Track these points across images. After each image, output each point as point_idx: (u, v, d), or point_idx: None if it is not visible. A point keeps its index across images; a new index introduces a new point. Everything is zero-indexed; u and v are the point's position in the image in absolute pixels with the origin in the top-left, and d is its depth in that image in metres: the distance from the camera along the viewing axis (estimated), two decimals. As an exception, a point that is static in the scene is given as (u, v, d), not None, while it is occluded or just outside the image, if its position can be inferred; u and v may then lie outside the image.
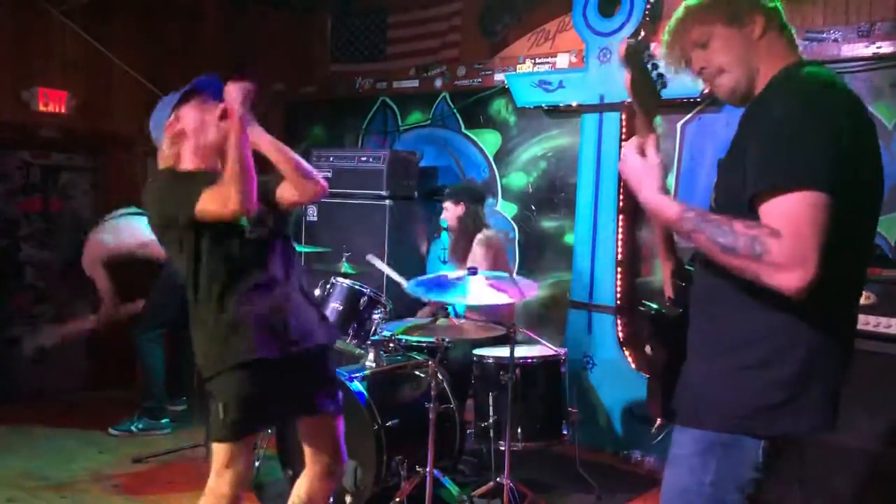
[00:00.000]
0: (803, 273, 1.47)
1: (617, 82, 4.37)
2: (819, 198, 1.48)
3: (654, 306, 1.92)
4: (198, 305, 2.42)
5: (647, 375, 1.98)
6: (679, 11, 1.79)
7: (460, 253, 4.30)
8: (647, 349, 1.93)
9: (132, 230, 4.68)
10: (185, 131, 2.58)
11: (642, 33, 4.41)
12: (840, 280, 1.60)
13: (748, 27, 1.72)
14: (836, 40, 3.86)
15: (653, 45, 1.82)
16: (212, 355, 2.43)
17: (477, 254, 4.17)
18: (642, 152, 1.75)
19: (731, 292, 1.65)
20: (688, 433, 1.72)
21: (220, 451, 2.47)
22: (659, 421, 1.92)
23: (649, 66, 1.75)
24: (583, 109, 4.55)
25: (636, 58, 1.74)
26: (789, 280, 1.48)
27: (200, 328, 2.44)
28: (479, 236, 4.24)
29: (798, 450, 1.84)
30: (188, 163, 2.57)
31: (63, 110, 5.37)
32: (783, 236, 1.49)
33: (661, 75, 1.76)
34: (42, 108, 5.24)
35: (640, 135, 1.78)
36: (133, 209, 4.83)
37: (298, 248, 4.32)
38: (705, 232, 1.58)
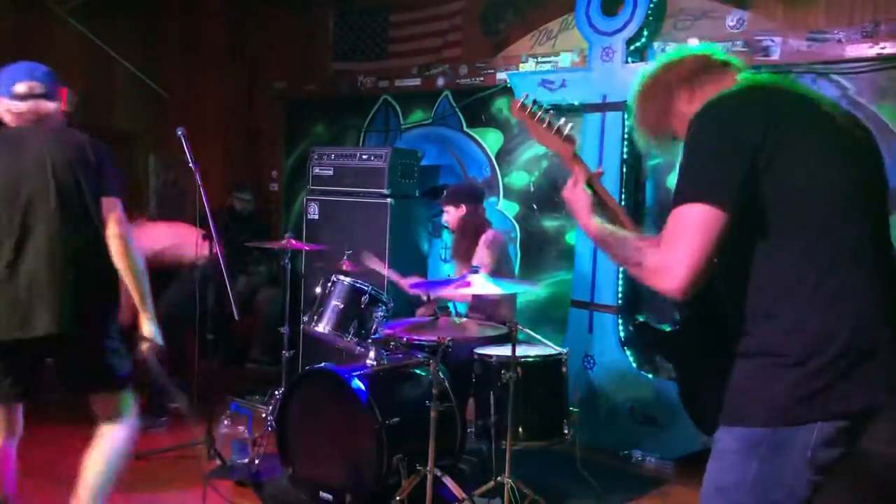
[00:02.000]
0: (672, 279, 1.63)
1: (620, 82, 4.37)
2: (702, 210, 1.61)
3: (640, 318, 2.14)
4: None
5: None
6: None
7: (463, 253, 4.30)
8: None
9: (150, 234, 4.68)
10: None
11: (645, 33, 4.41)
12: (857, 260, 1.64)
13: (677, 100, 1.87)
14: (839, 41, 3.85)
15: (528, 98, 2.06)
16: None
17: (482, 255, 4.17)
18: (573, 185, 1.98)
19: (747, 301, 1.69)
20: (730, 431, 1.72)
21: None
22: None
23: (539, 112, 2.01)
24: (585, 109, 4.54)
25: (527, 111, 2.02)
26: (661, 284, 1.66)
27: None
28: (485, 237, 4.23)
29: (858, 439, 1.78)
30: None
31: (64, 106, 5.35)
32: (661, 245, 1.67)
33: (548, 111, 2.02)
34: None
35: (572, 170, 2.00)
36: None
37: (300, 247, 4.33)
38: (611, 248, 1.83)
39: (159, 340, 2.88)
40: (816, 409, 1.61)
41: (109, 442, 2.91)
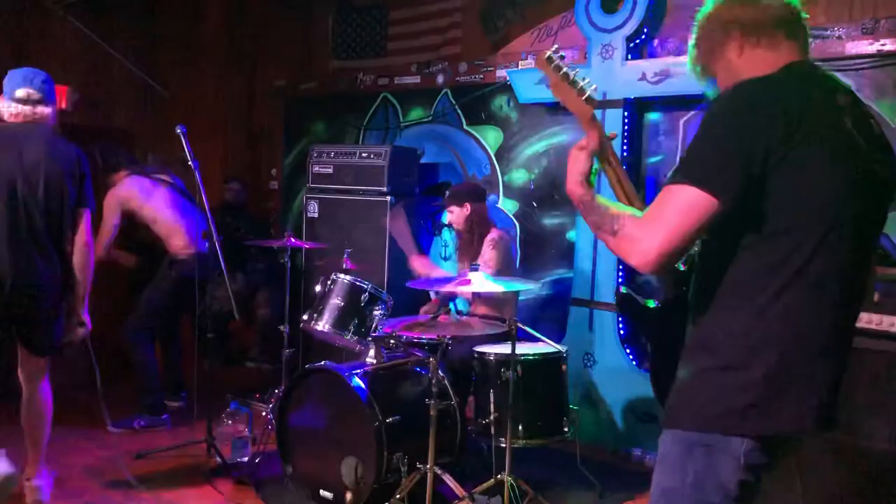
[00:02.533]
0: (640, 253, 1.61)
1: (620, 79, 4.37)
2: (695, 194, 1.56)
3: (624, 290, 2.10)
4: None
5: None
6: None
7: (469, 252, 4.31)
8: None
9: (160, 199, 4.69)
10: None
11: (645, 30, 4.40)
12: (824, 284, 1.61)
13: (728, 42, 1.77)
14: (839, 37, 3.84)
15: (564, 54, 1.97)
16: None
17: (487, 255, 4.17)
18: (580, 147, 1.86)
19: (711, 294, 1.67)
20: (670, 434, 1.74)
21: None
22: None
23: (564, 67, 1.92)
24: (585, 106, 4.52)
25: (552, 65, 1.93)
26: (629, 255, 1.65)
27: None
28: (490, 237, 4.24)
29: (793, 451, 1.79)
30: None
31: (63, 105, 5.36)
32: (642, 218, 1.65)
33: (579, 78, 1.92)
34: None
35: (587, 133, 1.88)
36: (168, 178, 4.83)
37: (300, 245, 4.33)
38: (591, 216, 1.77)
39: (89, 325, 3.50)
40: (746, 424, 1.62)
41: (43, 396, 3.50)
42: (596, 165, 1.88)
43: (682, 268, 1.92)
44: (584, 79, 1.93)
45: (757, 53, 1.73)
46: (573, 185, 1.83)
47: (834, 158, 1.61)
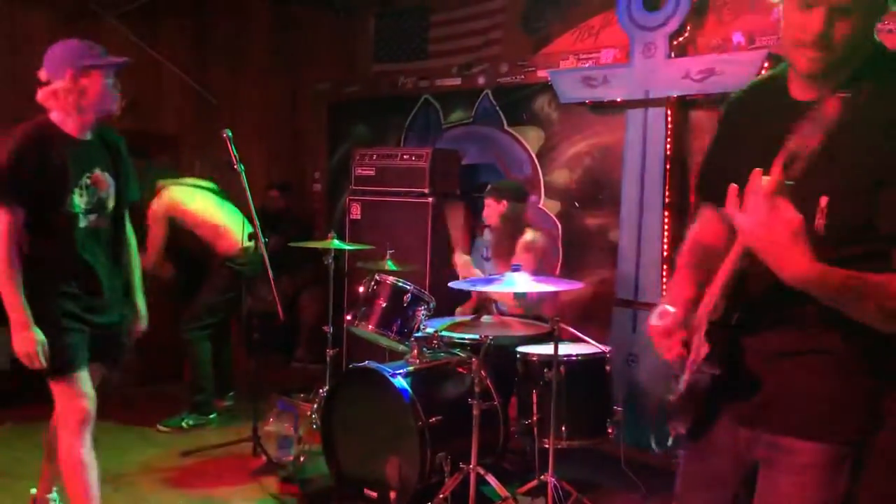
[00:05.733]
0: None
1: (662, 77, 4.32)
2: None
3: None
4: None
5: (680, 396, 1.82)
6: None
7: (504, 251, 4.29)
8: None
9: (201, 203, 4.78)
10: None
11: (688, 28, 4.35)
12: None
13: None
14: (890, 31, 3.75)
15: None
16: None
17: (521, 258, 4.14)
18: (772, 204, 1.32)
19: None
20: (814, 445, 1.60)
21: None
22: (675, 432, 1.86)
23: None
24: (627, 105, 4.50)
25: None
26: None
27: None
28: (524, 239, 4.22)
29: None
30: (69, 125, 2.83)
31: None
32: None
33: None
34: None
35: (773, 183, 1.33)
36: (211, 185, 4.92)
37: (342, 247, 4.38)
38: (873, 299, 1.38)
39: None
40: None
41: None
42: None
43: None
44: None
45: None
46: (806, 267, 1.35)
47: None
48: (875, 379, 1.57)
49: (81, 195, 2.81)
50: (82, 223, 2.81)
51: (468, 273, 4.30)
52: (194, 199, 4.80)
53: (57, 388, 2.81)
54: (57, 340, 2.76)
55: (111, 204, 2.93)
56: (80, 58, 2.80)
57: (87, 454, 2.84)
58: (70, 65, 2.77)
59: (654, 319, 1.73)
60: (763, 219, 1.33)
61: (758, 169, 1.33)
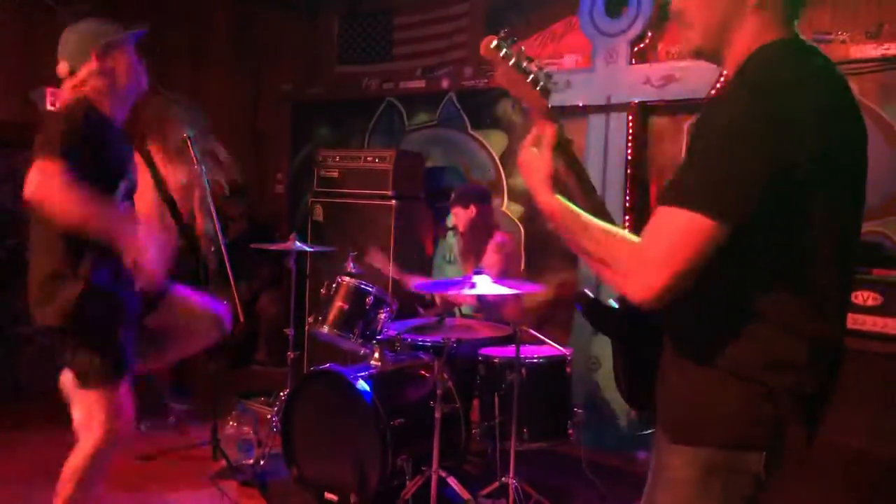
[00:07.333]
0: (643, 287, 1.43)
1: (624, 83, 4.38)
2: (700, 222, 1.38)
3: (587, 292, 1.88)
4: None
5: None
6: None
7: (473, 255, 4.31)
8: None
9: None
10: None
11: (649, 35, 4.41)
12: (828, 294, 1.50)
13: None
14: (843, 42, 3.84)
15: (518, 42, 1.74)
16: None
17: (492, 259, 4.16)
18: (535, 146, 1.69)
19: (718, 295, 1.50)
20: (682, 454, 1.56)
21: None
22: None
23: (514, 55, 1.70)
24: (589, 110, 4.55)
25: (501, 52, 1.69)
26: (630, 289, 1.46)
27: None
28: (495, 241, 4.24)
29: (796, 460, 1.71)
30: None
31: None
32: (640, 248, 1.46)
33: (534, 66, 1.71)
34: (50, 107, 5.27)
35: (536, 127, 1.71)
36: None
37: (305, 248, 4.35)
38: (574, 235, 1.59)
39: None
40: (772, 439, 1.50)
41: None
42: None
43: None
44: (538, 67, 1.72)
45: (774, 24, 1.52)
46: (544, 195, 1.64)
47: (849, 172, 1.47)
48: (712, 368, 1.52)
49: (124, 182, 2.62)
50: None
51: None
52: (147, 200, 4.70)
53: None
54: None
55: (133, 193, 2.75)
56: (99, 36, 2.62)
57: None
58: (91, 45, 2.59)
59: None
60: (529, 161, 1.71)
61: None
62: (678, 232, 1.41)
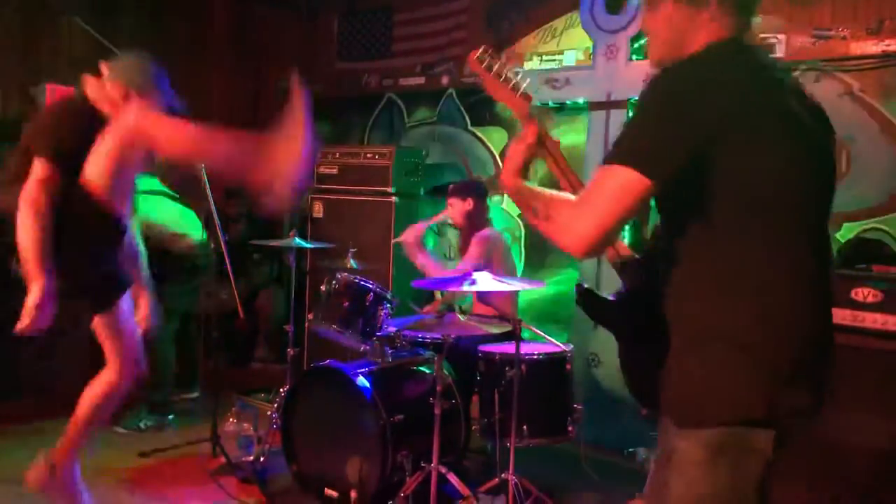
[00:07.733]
0: (574, 237, 1.61)
1: (624, 79, 4.37)
2: (630, 176, 1.54)
3: (584, 285, 2.05)
4: None
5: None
6: None
7: (465, 249, 4.31)
8: None
9: (158, 208, 4.64)
10: None
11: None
12: (808, 266, 1.60)
13: (701, 11, 1.69)
14: (844, 38, 3.84)
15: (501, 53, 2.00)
16: None
17: (472, 252, 4.16)
18: (519, 141, 1.91)
19: (715, 274, 1.59)
20: (688, 438, 1.61)
21: None
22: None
23: (496, 66, 1.94)
24: (590, 107, 4.54)
25: (483, 65, 1.94)
26: (563, 240, 1.64)
27: None
28: (479, 234, 4.23)
29: (799, 444, 1.74)
30: None
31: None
32: (575, 203, 1.67)
33: (513, 74, 1.95)
34: (49, 103, 5.26)
35: (525, 128, 1.93)
36: (162, 188, 4.78)
37: (305, 245, 4.35)
38: (525, 204, 1.80)
39: None
40: (775, 410, 1.55)
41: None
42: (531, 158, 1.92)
43: (637, 256, 1.94)
44: (517, 74, 1.97)
45: (716, 17, 1.68)
46: (507, 176, 1.89)
47: (783, 137, 1.59)
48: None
49: None
50: None
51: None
52: (147, 206, 4.66)
53: None
54: None
55: None
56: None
57: None
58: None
59: None
60: (508, 153, 1.92)
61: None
62: (610, 187, 1.58)
